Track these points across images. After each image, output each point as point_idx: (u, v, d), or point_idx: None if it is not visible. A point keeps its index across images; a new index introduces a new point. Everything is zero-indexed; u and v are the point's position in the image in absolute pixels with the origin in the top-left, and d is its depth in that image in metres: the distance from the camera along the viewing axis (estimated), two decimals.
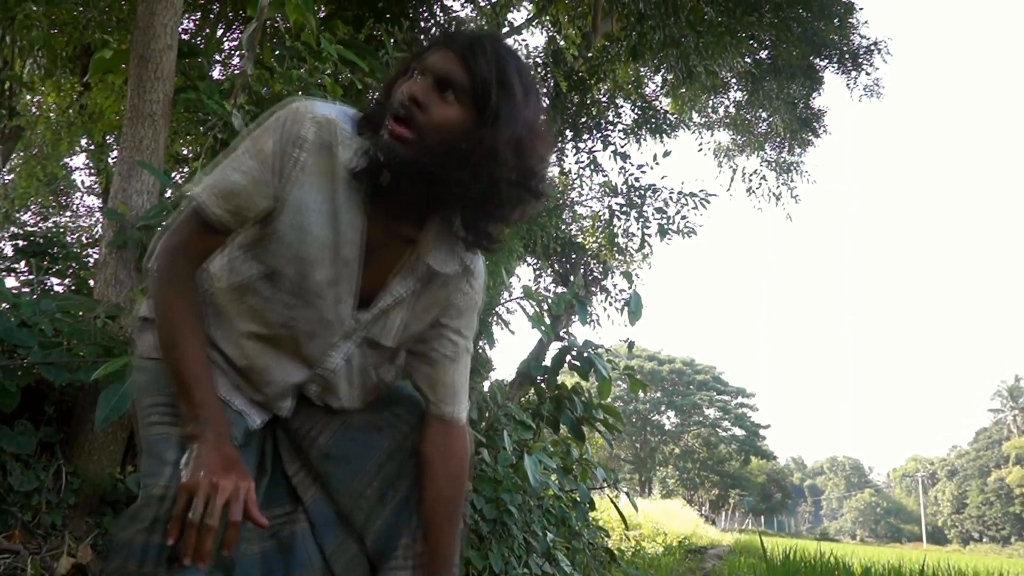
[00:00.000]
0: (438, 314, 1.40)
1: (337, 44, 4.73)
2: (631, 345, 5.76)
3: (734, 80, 11.51)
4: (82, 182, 12.26)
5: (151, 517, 1.11)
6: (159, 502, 1.12)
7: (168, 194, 3.46)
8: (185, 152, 4.02)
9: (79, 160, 11.30)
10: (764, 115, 12.32)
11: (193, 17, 9.66)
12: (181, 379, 1.24)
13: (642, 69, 9.66)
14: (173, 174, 3.88)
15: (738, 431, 50.60)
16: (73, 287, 3.87)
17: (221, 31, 10.25)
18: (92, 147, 9.13)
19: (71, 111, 7.73)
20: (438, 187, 1.20)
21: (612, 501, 4.93)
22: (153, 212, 3.22)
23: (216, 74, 10.34)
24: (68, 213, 11.67)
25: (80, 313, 2.98)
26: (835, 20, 10.43)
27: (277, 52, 4.04)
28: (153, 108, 3.45)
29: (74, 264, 3.96)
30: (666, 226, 7.12)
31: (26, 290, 3.95)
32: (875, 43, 11.25)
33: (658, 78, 9.40)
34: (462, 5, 8.02)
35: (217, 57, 10.32)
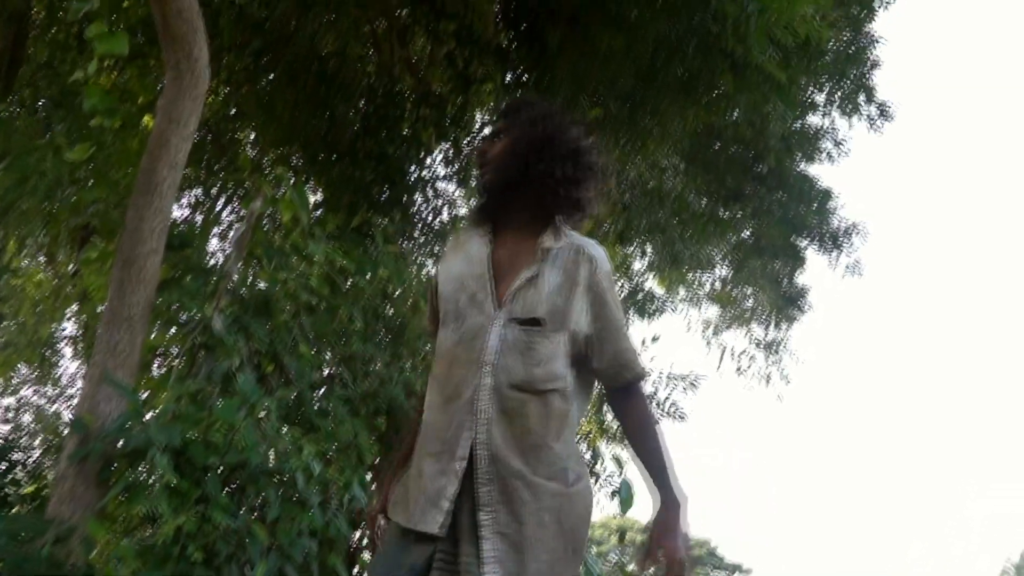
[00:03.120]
0: (579, 294, 1.81)
1: (327, 237, 4.81)
2: (622, 535, 5.49)
3: (719, 257, 11.78)
4: (71, 346, 12.16)
5: None
6: None
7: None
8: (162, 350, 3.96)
9: (69, 326, 11.28)
10: (749, 291, 12.52)
11: (194, 192, 9.97)
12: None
13: (629, 248, 9.89)
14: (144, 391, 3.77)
15: None
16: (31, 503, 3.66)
17: (221, 204, 10.57)
18: (82, 318, 9.14)
19: (63, 285, 7.78)
20: (518, 189, 1.87)
21: None
22: (119, 424, 3.09)
23: (214, 244, 10.54)
24: (49, 383, 11.45)
25: (27, 536, 2.77)
26: (814, 204, 10.79)
27: (264, 250, 4.07)
28: (132, 312, 3.41)
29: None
30: (657, 413, 7.00)
31: None
32: (853, 225, 11.59)
33: (646, 260, 9.61)
34: (453, 195, 8.27)
35: (215, 229, 10.56)
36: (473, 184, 1.93)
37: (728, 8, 4.78)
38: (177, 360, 3.63)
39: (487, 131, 1.99)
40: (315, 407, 4.29)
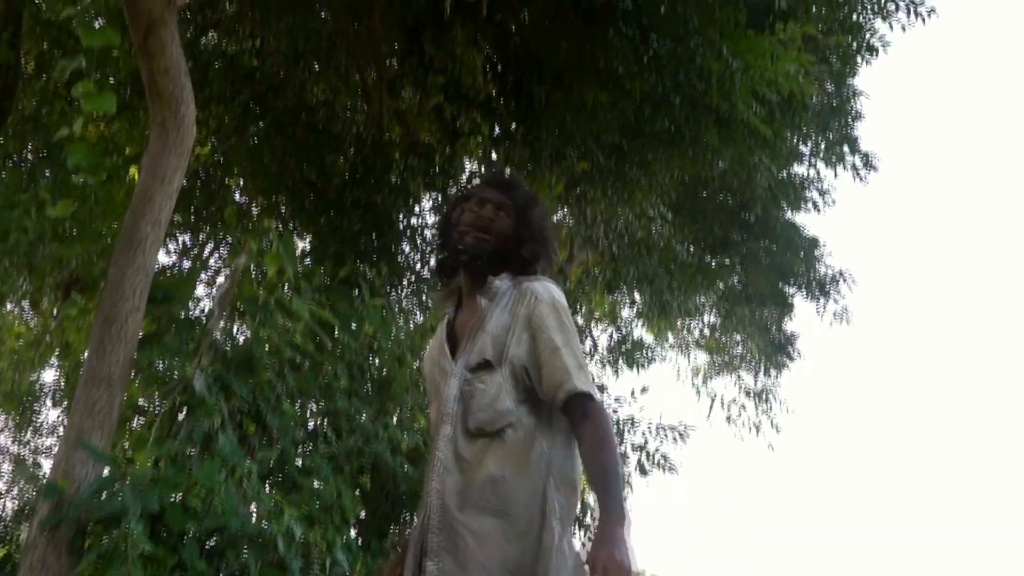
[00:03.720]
0: (518, 327, 1.83)
1: (314, 291, 4.77)
2: None
3: (708, 304, 11.81)
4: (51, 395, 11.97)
5: None
6: None
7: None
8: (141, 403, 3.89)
9: (50, 375, 11.12)
10: (738, 338, 12.52)
11: (183, 236, 9.93)
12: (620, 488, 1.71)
13: (617, 295, 9.90)
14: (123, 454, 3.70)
15: None
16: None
17: (210, 250, 10.51)
18: (64, 366, 9.01)
19: (44, 335, 7.69)
20: (501, 258, 1.94)
21: None
22: (93, 490, 3.00)
23: (202, 290, 10.47)
24: (30, 429, 11.24)
25: None
26: (801, 252, 10.86)
27: (248, 307, 4.02)
28: (111, 371, 3.34)
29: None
30: (647, 465, 6.93)
31: None
32: (840, 272, 11.66)
33: (634, 308, 9.61)
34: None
35: (203, 276, 10.49)
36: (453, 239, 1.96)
37: (712, 66, 4.85)
38: (157, 420, 3.55)
39: (484, 195, 1.99)
40: (298, 465, 4.20)
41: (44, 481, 3.31)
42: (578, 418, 1.75)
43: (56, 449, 3.74)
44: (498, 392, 1.78)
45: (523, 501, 1.70)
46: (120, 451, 4.41)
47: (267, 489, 4.13)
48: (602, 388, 7.63)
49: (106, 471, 3.15)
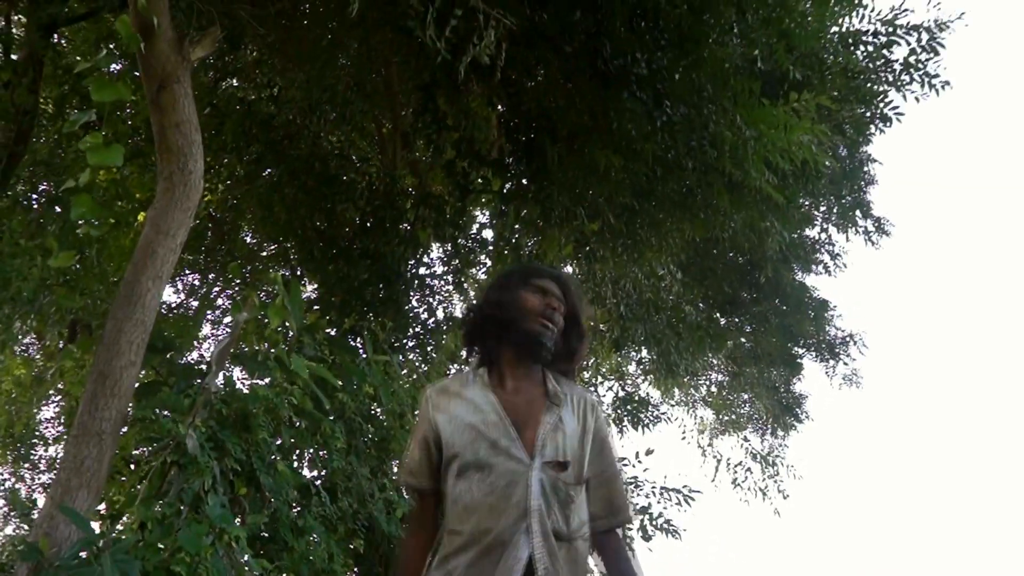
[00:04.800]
0: (590, 440, 1.93)
1: (317, 344, 4.70)
2: None
3: (716, 363, 11.67)
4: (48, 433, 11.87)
5: None
6: None
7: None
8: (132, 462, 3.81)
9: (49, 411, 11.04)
10: (746, 397, 12.35)
11: (192, 276, 9.93)
12: None
13: (624, 354, 9.79)
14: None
15: None
16: None
17: (218, 290, 10.50)
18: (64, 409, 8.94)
19: (45, 374, 7.65)
20: (556, 352, 2.01)
21: None
22: (75, 550, 2.92)
23: (208, 330, 10.42)
24: (27, 464, 11.13)
25: None
26: (810, 314, 10.76)
27: (248, 365, 3.96)
28: (102, 426, 3.28)
29: None
30: (650, 528, 6.74)
31: None
32: (850, 335, 11.53)
33: (641, 365, 9.50)
34: (449, 294, 8.23)
35: (209, 316, 10.47)
36: (542, 330, 2.01)
37: (725, 134, 4.83)
38: (147, 476, 3.46)
39: (547, 286, 2.07)
40: (291, 523, 4.10)
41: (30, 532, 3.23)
42: (620, 543, 1.94)
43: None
44: (582, 502, 1.89)
45: None
46: (109, 503, 4.32)
47: (258, 549, 4.02)
48: None
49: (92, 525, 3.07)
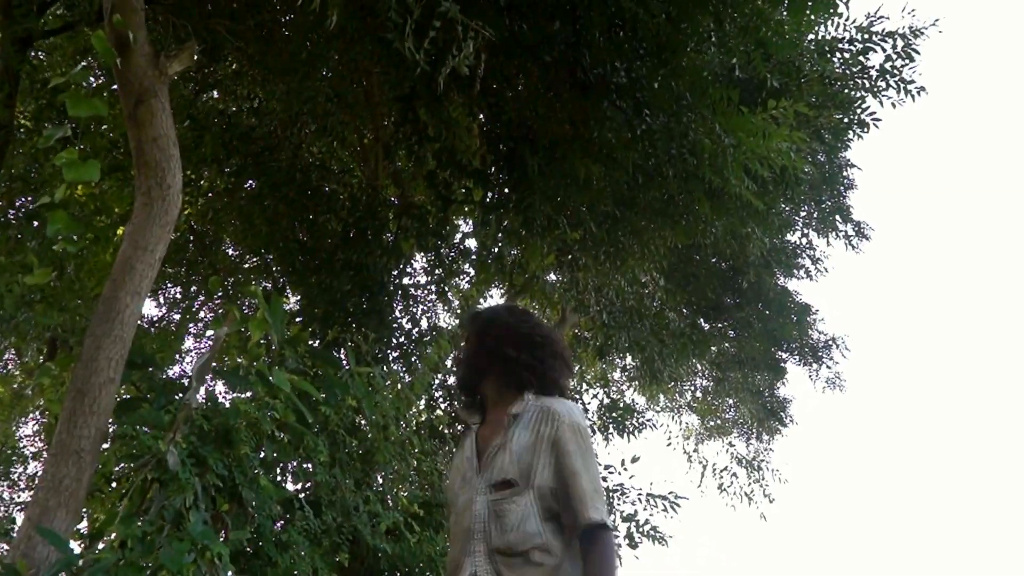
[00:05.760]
0: (544, 448, 1.91)
1: (299, 356, 4.68)
2: None
3: (700, 369, 11.71)
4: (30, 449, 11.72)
5: None
6: None
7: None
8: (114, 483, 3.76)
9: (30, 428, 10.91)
10: (731, 402, 12.40)
11: (174, 289, 9.84)
12: None
13: (608, 362, 9.81)
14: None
15: None
16: None
17: (200, 303, 10.41)
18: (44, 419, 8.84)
19: (27, 389, 7.56)
20: (505, 378, 2.09)
21: None
22: (54, 571, 2.88)
23: (189, 343, 10.33)
24: (6, 482, 10.98)
25: None
26: (793, 318, 10.84)
27: (229, 379, 3.93)
28: (81, 444, 3.24)
29: None
30: (637, 536, 6.74)
31: None
32: (833, 339, 11.61)
33: (625, 373, 9.52)
34: (432, 304, 8.21)
35: (191, 329, 10.38)
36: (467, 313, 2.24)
37: (705, 142, 4.87)
38: (127, 494, 3.42)
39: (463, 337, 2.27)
40: (275, 538, 4.07)
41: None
42: (587, 544, 1.87)
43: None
44: (526, 514, 1.87)
45: None
46: (90, 521, 4.27)
47: (242, 565, 3.99)
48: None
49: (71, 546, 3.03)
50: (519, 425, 1.98)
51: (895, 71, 6.35)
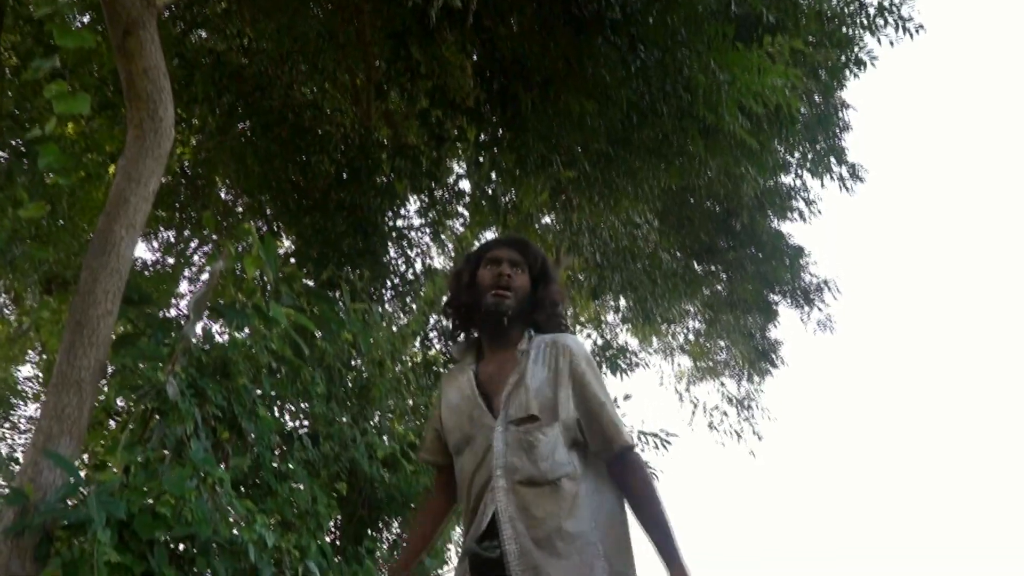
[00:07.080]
0: (565, 381, 1.96)
1: (295, 294, 4.72)
2: None
3: (692, 311, 11.82)
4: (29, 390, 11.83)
5: None
6: None
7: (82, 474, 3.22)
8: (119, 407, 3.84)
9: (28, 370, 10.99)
10: (722, 344, 12.55)
11: (168, 232, 9.83)
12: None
13: (602, 303, 9.89)
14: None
15: None
16: None
17: (194, 246, 10.42)
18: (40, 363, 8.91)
19: (26, 330, 7.61)
20: (524, 316, 2.09)
21: None
22: (61, 495, 2.96)
23: (184, 287, 10.36)
24: (7, 425, 11.12)
25: None
26: (786, 260, 10.90)
27: (226, 312, 3.97)
28: (81, 375, 3.29)
29: None
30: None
31: None
32: (825, 281, 11.70)
33: (619, 314, 9.61)
34: (427, 246, 8.23)
35: (186, 272, 10.40)
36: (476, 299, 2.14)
37: (699, 78, 4.84)
38: (128, 424, 3.50)
39: (498, 254, 2.15)
40: (274, 468, 4.17)
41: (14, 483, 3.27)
42: (626, 471, 1.95)
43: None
44: (555, 444, 1.92)
45: (580, 542, 1.86)
46: (92, 454, 4.36)
47: (242, 494, 4.09)
48: None
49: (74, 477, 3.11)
50: (532, 361, 2.00)
51: (893, 8, 6.28)
